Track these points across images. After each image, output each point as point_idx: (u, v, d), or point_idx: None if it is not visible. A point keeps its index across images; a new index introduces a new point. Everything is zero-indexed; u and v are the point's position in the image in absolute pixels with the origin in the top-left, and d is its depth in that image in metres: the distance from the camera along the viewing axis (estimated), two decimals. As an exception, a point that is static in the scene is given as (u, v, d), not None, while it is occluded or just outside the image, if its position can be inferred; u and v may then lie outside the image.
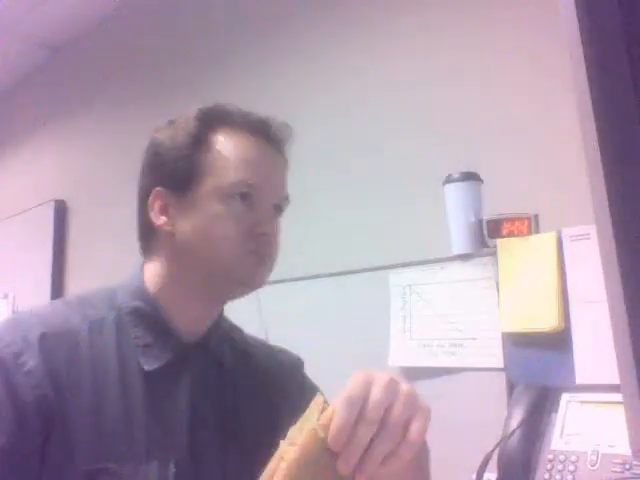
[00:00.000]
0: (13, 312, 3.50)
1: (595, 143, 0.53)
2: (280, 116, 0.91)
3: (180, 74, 2.75)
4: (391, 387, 0.57)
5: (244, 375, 0.93)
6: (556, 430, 1.07)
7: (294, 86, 2.28)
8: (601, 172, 0.53)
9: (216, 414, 0.87)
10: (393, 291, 1.47)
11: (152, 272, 0.88)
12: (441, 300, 1.38)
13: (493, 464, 1.07)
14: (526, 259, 1.22)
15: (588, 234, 1.12)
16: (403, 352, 1.43)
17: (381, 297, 1.48)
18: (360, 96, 2.05)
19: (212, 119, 0.88)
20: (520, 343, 1.22)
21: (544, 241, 1.20)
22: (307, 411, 0.58)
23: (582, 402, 1.08)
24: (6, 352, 0.77)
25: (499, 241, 1.27)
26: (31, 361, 0.77)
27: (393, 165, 1.91)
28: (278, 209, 0.90)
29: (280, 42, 2.35)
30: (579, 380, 1.11)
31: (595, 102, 0.53)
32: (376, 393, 0.56)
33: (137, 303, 0.87)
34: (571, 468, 1.02)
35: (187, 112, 0.89)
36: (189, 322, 0.88)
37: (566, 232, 1.17)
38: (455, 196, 1.36)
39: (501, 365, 1.25)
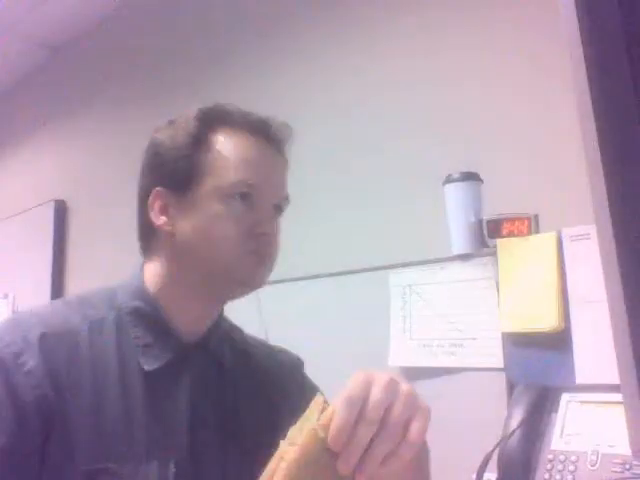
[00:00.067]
0: (13, 312, 3.50)
1: (595, 143, 0.53)
2: (280, 116, 0.91)
3: (180, 74, 2.75)
4: (391, 387, 0.57)
5: (244, 375, 0.93)
6: (556, 430, 1.07)
7: (294, 86, 2.28)
8: (601, 172, 0.53)
9: (216, 414, 0.87)
10: (393, 291, 1.47)
11: (152, 272, 0.89)
12: (441, 300, 1.38)
13: (493, 464, 1.07)
14: (526, 259, 1.22)
15: (588, 234, 1.12)
16: (403, 352, 1.43)
17: (381, 297, 1.48)
18: (360, 96, 2.05)
19: (212, 119, 0.88)
20: (520, 343, 1.22)
21: (544, 241, 1.20)
22: (307, 411, 0.58)
23: (582, 402, 1.08)
24: (6, 352, 0.77)
25: (499, 241, 1.27)
26: (31, 361, 0.77)
27: (393, 165, 1.91)
28: (278, 209, 0.90)
29: (280, 42, 2.35)
30: (579, 380, 1.11)
31: (595, 102, 0.53)
32: (376, 393, 0.56)
33: (137, 303, 0.87)
34: (571, 468, 1.01)
35: (187, 112, 0.89)
36: (189, 322, 0.88)
37: (566, 232, 1.17)
38: (455, 196, 1.36)
39: (501, 365, 1.25)
